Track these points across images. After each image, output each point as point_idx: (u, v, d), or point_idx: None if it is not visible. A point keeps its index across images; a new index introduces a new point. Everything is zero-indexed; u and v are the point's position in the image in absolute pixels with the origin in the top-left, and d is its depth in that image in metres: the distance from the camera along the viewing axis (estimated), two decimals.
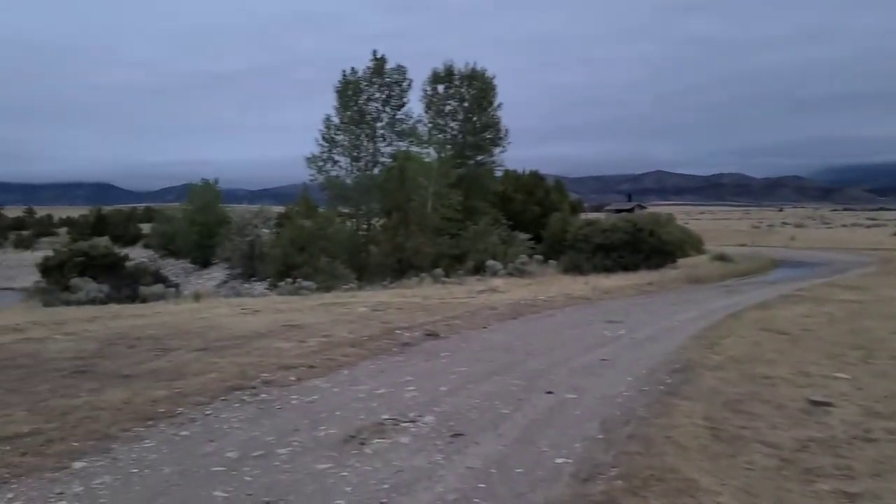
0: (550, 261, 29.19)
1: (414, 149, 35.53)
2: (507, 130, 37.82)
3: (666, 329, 11.03)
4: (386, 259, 29.96)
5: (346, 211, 36.37)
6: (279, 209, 51.62)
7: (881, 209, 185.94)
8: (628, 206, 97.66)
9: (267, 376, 6.91)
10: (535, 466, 4.58)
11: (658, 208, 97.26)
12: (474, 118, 37.13)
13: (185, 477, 4.30)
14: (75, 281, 18.08)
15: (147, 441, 4.94)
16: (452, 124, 37.46)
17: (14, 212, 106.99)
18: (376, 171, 35.67)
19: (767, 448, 4.85)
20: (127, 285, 18.98)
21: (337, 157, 35.45)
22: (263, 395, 6.30)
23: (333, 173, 35.60)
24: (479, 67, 37.49)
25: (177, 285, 23.28)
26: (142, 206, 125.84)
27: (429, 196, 32.59)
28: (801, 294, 16.44)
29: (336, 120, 35.15)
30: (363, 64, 35.39)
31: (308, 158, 35.18)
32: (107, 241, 22.77)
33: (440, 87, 37.35)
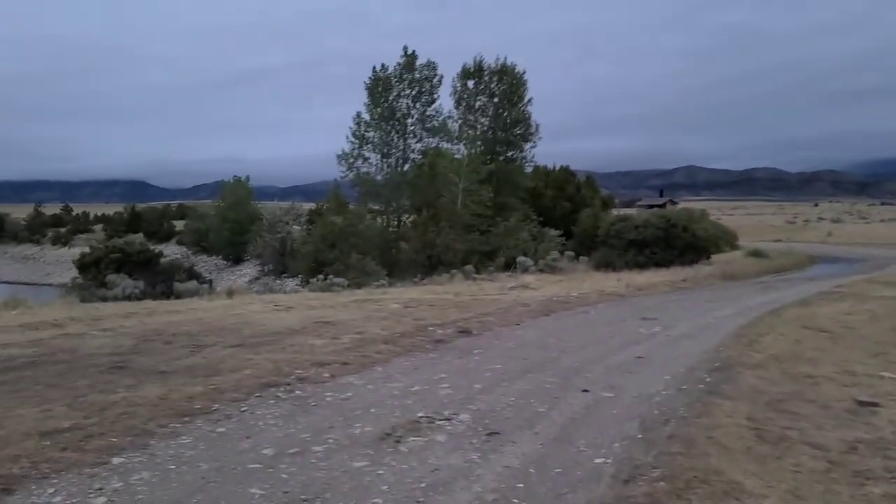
0: (581, 257, 28.96)
1: (444, 145, 35.50)
2: (537, 125, 37.60)
3: (702, 326, 10.83)
4: (416, 255, 29.98)
5: (377, 207, 36.48)
6: (310, 206, 52.03)
7: None
8: (660, 201, 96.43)
9: (301, 373, 6.91)
10: (573, 466, 4.50)
11: (689, 204, 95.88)
12: (504, 114, 36.95)
13: (221, 474, 4.30)
14: (111, 277, 18.37)
15: (184, 437, 4.95)
16: (483, 120, 37.33)
17: (52, 209, 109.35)
18: (406, 167, 35.74)
19: (814, 449, 4.70)
20: (162, 281, 19.24)
21: (367, 154, 35.61)
22: (298, 392, 6.29)
23: (364, 170, 35.76)
24: (509, 62, 37.30)
25: (210, 282, 23.56)
26: (175, 203, 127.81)
27: (459, 192, 32.54)
28: (841, 291, 16.06)
29: (366, 117, 35.27)
30: (393, 60, 35.47)
31: (339, 155, 35.38)
32: (141, 238, 23.15)
33: (470, 83, 37.23)
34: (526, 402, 6.09)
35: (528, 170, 39.03)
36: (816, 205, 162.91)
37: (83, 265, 19.99)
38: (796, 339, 9.05)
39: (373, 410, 5.77)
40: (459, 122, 37.00)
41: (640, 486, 4.08)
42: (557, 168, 41.62)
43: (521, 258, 26.75)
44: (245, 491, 4.03)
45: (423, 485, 4.16)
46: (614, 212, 42.27)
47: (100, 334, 8.98)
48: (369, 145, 35.45)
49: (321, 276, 24.61)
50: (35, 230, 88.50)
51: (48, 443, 4.62)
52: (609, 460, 4.60)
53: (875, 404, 5.75)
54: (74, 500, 3.85)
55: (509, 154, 37.76)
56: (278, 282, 37.98)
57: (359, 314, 11.34)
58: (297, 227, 42.32)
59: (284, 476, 4.28)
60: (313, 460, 4.56)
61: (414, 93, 35.25)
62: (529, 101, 37.33)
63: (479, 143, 36.37)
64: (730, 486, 4.00)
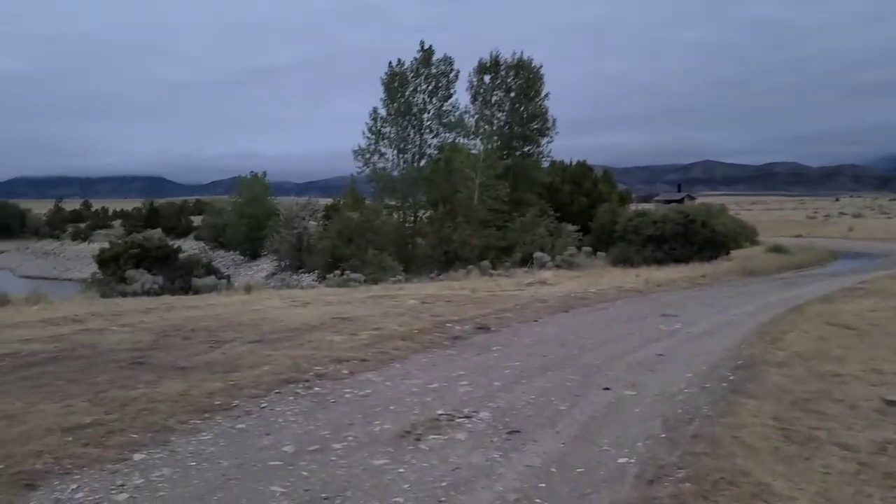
0: (599, 253, 28.78)
1: (460, 140, 35.43)
2: (554, 120, 37.43)
3: (724, 323, 10.69)
4: (433, 251, 29.97)
5: (393, 203, 36.51)
6: (326, 201, 52.19)
7: None
8: (678, 196, 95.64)
9: (320, 369, 6.90)
10: (596, 466, 4.43)
11: (707, 199, 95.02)
12: (521, 108, 36.83)
13: (242, 471, 4.28)
14: (131, 272, 18.50)
15: (204, 433, 4.95)
16: (499, 115, 37.25)
17: (72, 205, 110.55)
18: (423, 163, 35.72)
19: (843, 450, 4.60)
20: (180, 277, 19.36)
21: (384, 150, 35.66)
22: (317, 389, 6.27)
23: (380, 165, 35.82)
24: (525, 57, 37.13)
25: (228, 277, 23.67)
26: (192, 198, 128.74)
27: (475, 188, 32.47)
28: (865, 287, 15.81)
29: (383, 112, 35.30)
30: (409, 56, 35.46)
31: (355, 151, 35.46)
32: (160, 234, 23.28)
33: (486, 78, 37.13)
34: (546, 399, 6.03)
35: (545, 165, 38.91)
36: (837, 199, 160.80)
37: (103, 260, 20.16)
38: (820, 336, 8.90)
39: (392, 408, 5.73)
40: (476, 117, 36.94)
41: (665, 486, 4.01)
42: (574, 163, 41.40)
43: (537, 254, 26.64)
44: (266, 488, 4.01)
45: (444, 484, 4.12)
46: (632, 207, 41.98)
47: (119, 330, 9.03)
48: (385, 141, 35.50)
49: (338, 272, 24.67)
50: (55, 226, 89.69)
51: (70, 438, 4.63)
52: (632, 460, 4.52)
53: None
54: (97, 496, 3.85)
55: (526, 149, 37.64)
56: (295, 277, 38.16)
57: (376, 310, 11.32)
58: (313, 223, 42.47)
59: (305, 474, 4.25)
60: (333, 458, 4.54)
61: (430, 88, 35.22)
62: (546, 95, 37.23)
63: (495, 138, 36.29)
64: (758, 487, 3.92)
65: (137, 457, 4.44)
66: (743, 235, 40.09)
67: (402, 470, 4.33)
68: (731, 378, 6.74)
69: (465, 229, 29.83)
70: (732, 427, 5.02)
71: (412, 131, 35.36)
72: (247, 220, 54.53)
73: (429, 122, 35.49)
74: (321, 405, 5.78)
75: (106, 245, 21.80)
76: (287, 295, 15.15)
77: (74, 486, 3.98)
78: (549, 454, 4.65)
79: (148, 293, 17.00)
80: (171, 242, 22.63)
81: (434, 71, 35.04)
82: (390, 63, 35.30)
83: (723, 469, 4.18)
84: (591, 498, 3.94)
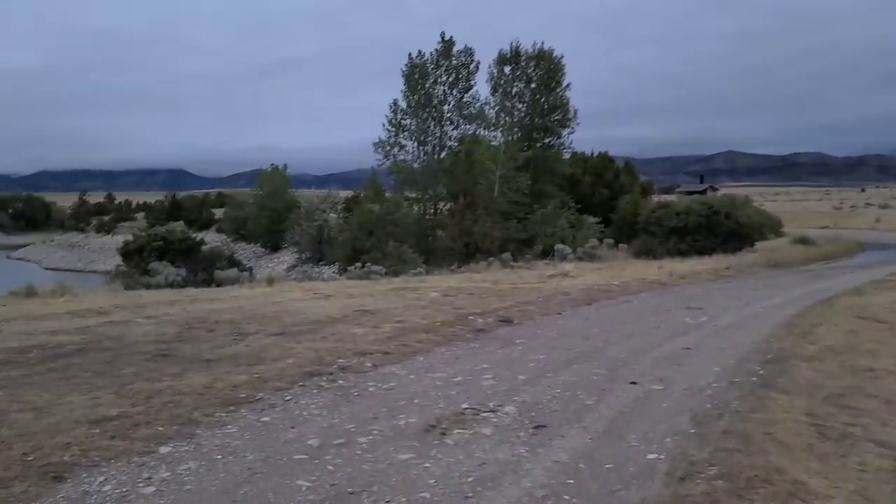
0: (621, 245, 28.54)
1: (481, 132, 35.26)
2: (575, 111, 37.11)
3: (750, 316, 10.53)
4: (453, 243, 29.90)
5: (413, 195, 36.44)
6: (346, 194, 52.32)
7: None
8: (700, 187, 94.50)
9: (343, 362, 6.88)
10: (625, 462, 4.36)
11: (730, 190, 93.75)
12: (542, 99, 36.55)
13: (268, 464, 4.26)
14: (154, 265, 18.64)
15: (229, 426, 4.94)
16: (520, 106, 37.01)
17: (96, 198, 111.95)
18: (443, 155, 35.60)
19: (879, 447, 4.49)
20: (203, 269, 19.47)
21: (404, 142, 35.57)
22: (341, 382, 6.25)
23: (400, 158, 35.72)
24: (546, 47, 36.82)
25: (250, 269, 23.79)
26: (214, 191, 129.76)
27: (496, 180, 32.33)
28: (895, 279, 15.49)
29: (403, 104, 35.20)
30: (429, 47, 35.30)
31: (375, 143, 35.40)
32: (182, 226, 23.43)
33: (507, 69, 36.88)
34: (572, 394, 5.95)
35: (566, 156, 38.62)
36: (863, 190, 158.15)
37: (126, 253, 20.33)
38: (851, 329, 8.72)
39: (416, 401, 5.69)
40: (496, 108, 36.72)
41: (697, 484, 3.92)
42: (595, 154, 41.06)
43: (558, 246, 26.47)
44: (292, 483, 3.99)
45: (470, 479, 4.07)
46: (654, 198, 41.59)
47: (144, 322, 9.09)
48: (406, 133, 35.40)
49: (359, 264, 24.69)
50: (80, 218, 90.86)
51: (97, 431, 4.65)
52: (662, 456, 4.44)
53: None
54: (124, 489, 3.86)
55: (547, 140, 37.37)
56: (316, 269, 38.32)
57: (398, 303, 11.29)
58: (333, 215, 42.60)
59: (330, 468, 4.22)
60: (359, 452, 4.51)
61: (451, 79, 35.03)
62: (567, 86, 36.88)
63: (516, 129, 36.06)
64: (793, 486, 3.82)
65: (164, 450, 4.44)
66: (768, 227, 39.57)
67: (427, 465, 4.29)
68: (760, 372, 6.61)
69: (485, 221, 29.72)
70: (764, 423, 4.91)
71: (432, 123, 35.22)
72: (268, 212, 54.80)
73: (449, 114, 35.32)
74: (345, 398, 5.76)
75: (129, 237, 21.98)
76: (309, 287, 15.18)
77: (102, 478, 3.99)
78: (577, 449, 4.58)
79: (171, 285, 17.12)
80: (193, 235, 22.77)
81: (454, 62, 34.83)
82: (410, 55, 35.18)
83: (756, 466, 4.09)
84: (621, 495, 3.87)
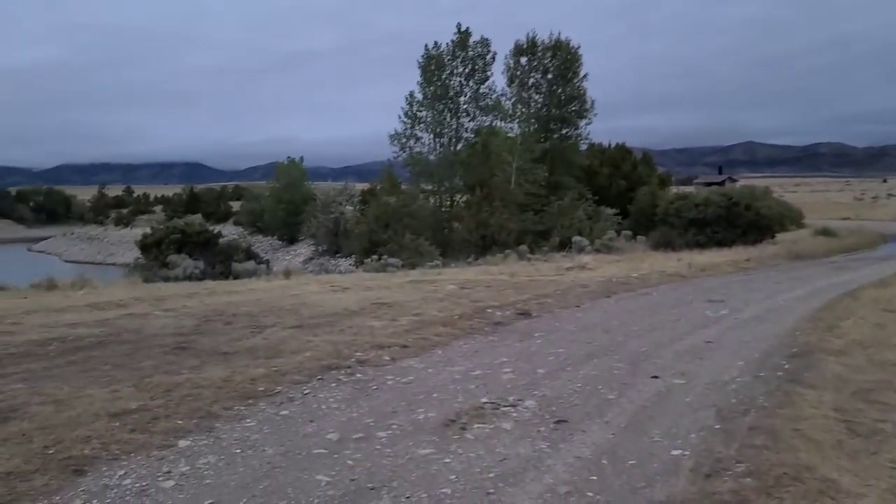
0: (638, 237, 28.31)
1: (497, 123, 35.06)
2: (592, 102, 36.77)
3: (773, 309, 10.37)
4: (469, 236, 29.81)
5: (430, 187, 36.34)
6: (363, 186, 52.34)
7: None
8: (719, 179, 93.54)
9: (361, 355, 6.84)
10: (649, 458, 4.27)
11: (749, 181, 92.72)
12: (559, 90, 36.24)
13: (287, 459, 4.23)
14: (172, 257, 18.72)
15: (248, 420, 4.92)
16: (536, 97, 36.73)
17: (114, 191, 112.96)
18: (459, 146, 35.44)
19: None
20: (220, 261, 19.53)
21: (420, 134, 35.44)
22: (359, 375, 6.21)
23: (416, 150, 35.61)
24: (563, 38, 36.50)
25: (267, 262, 23.85)
26: (231, 184, 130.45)
27: (513, 171, 32.15)
28: None
29: (419, 96, 35.07)
30: (444, 38, 35.13)
31: (391, 135, 35.31)
32: (200, 219, 23.53)
33: (523, 60, 36.60)
34: (593, 388, 5.87)
35: (583, 147, 38.30)
36: (885, 181, 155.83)
37: (145, 245, 20.44)
38: (878, 322, 8.55)
39: (435, 395, 5.64)
40: (513, 99, 36.48)
41: (724, 481, 3.83)
42: (613, 145, 40.71)
43: (576, 238, 26.30)
44: (311, 477, 3.95)
45: (492, 475, 4.01)
46: (672, 190, 41.21)
47: (163, 314, 9.11)
48: (422, 125, 35.28)
49: (375, 257, 24.69)
50: (99, 211, 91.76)
51: (117, 424, 4.64)
52: (687, 452, 4.35)
53: None
54: (144, 483, 3.84)
55: (564, 132, 37.08)
56: (332, 262, 38.41)
57: (415, 295, 11.25)
58: (350, 208, 42.62)
59: (350, 462, 4.18)
60: (378, 446, 4.46)
61: (467, 70, 34.84)
62: (584, 76, 36.53)
63: (532, 120, 35.82)
64: (824, 483, 3.72)
65: (183, 443, 4.43)
66: (788, 218, 39.09)
67: (448, 460, 4.24)
68: (786, 367, 6.49)
69: (502, 213, 29.60)
70: (792, 419, 4.80)
71: (449, 115, 35.06)
72: (284, 205, 54.91)
73: (465, 106, 35.14)
74: (363, 392, 5.72)
75: (148, 230, 22.10)
76: (326, 280, 15.19)
77: (122, 472, 3.97)
78: (599, 445, 4.51)
79: (189, 278, 17.20)
80: (211, 228, 22.85)
81: (471, 53, 34.61)
82: (427, 46, 35.02)
83: (785, 463, 3.99)
84: (646, 492, 3.79)
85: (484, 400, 5.48)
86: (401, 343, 7.46)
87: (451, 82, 34.76)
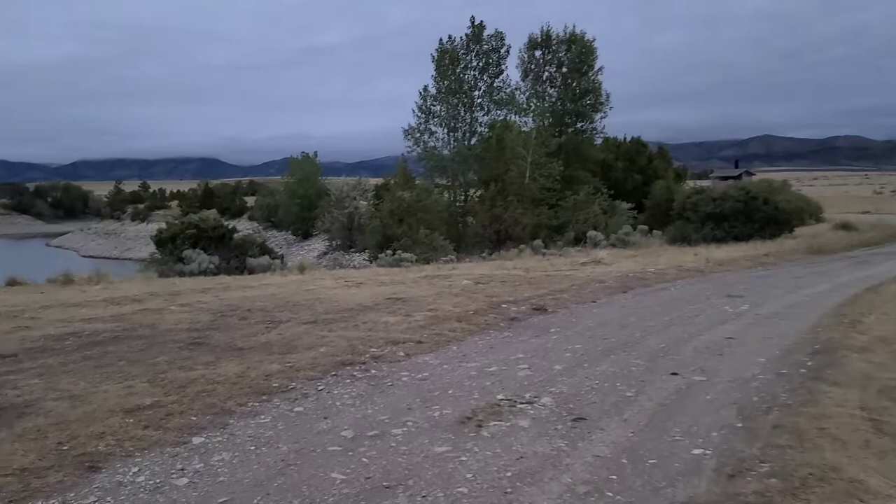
0: (654, 231, 28.07)
1: (512, 117, 34.89)
2: (608, 95, 36.51)
3: (794, 304, 10.19)
4: (484, 230, 29.71)
5: (444, 182, 36.27)
6: (376, 181, 52.32)
7: None
8: (735, 172, 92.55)
9: (376, 351, 6.79)
10: (670, 457, 4.18)
11: (766, 174, 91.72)
12: (573, 84, 36.03)
13: (301, 456, 4.18)
14: (188, 252, 18.78)
15: (262, 417, 4.88)
16: (551, 91, 36.53)
17: (131, 186, 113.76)
18: (474, 141, 35.32)
19: None
20: (235, 256, 19.57)
21: (434, 128, 35.36)
22: (374, 371, 6.15)
23: (430, 144, 35.54)
24: (578, 31, 36.24)
25: (282, 257, 23.88)
26: (246, 179, 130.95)
27: (527, 166, 32.00)
28: None
29: (433, 90, 34.96)
30: (457, 32, 34.99)
31: (405, 130, 35.25)
32: (215, 214, 23.59)
33: (538, 53, 36.40)
34: (611, 385, 5.78)
35: (598, 142, 38.06)
36: None
37: (160, 241, 20.51)
38: None
39: (451, 392, 5.57)
40: (527, 93, 36.30)
41: (748, 482, 3.74)
42: (628, 139, 40.41)
43: (591, 232, 26.14)
44: (326, 475, 3.90)
45: (509, 474, 3.94)
46: (689, 184, 40.84)
47: (178, 309, 9.11)
48: (436, 119, 35.19)
49: (389, 252, 24.64)
50: (116, 207, 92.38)
51: (131, 420, 4.62)
52: (708, 451, 4.26)
53: None
54: (158, 480, 3.80)
55: (579, 125, 36.88)
56: (346, 257, 38.43)
57: (430, 290, 11.18)
58: (364, 203, 42.62)
59: (365, 460, 4.13)
60: (393, 444, 4.40)
61: (481, 64, 34.68)
62: (599, 70, 36.27)
63: (547, 114, 35.61)
64: (851, 484, 3.61)
65: (197, 440, 4.39)
66: (807, 212, 38.61)
67: (464, 458, 4.17)
68: (809, 364, 6.35)
69: (516, 208, 29.45)
70: (816, 417, 4.69)
71: (463, 109, 34.94)
72: (298, 200, 55.05)
73: (479, 100, 35.02)
74: (378, 388, 5.66)
75: (163, 225, 22.20)
76: (340, 275, 15.15)
77: (136, 469, 3.95)
78: (618, 444, 4.42)
79: (204, 273, 17.25)
80: (225, 223, 22.89)
81: (485, 47, 34.46)
82: (441, 40, 34.91)
83: (811, 464, 3.88)
84: (667, 492, 3.71)
85: (500, 397, 5.41)
86: (416, 339, 7.39)
87: (466, 76, 34.63)
